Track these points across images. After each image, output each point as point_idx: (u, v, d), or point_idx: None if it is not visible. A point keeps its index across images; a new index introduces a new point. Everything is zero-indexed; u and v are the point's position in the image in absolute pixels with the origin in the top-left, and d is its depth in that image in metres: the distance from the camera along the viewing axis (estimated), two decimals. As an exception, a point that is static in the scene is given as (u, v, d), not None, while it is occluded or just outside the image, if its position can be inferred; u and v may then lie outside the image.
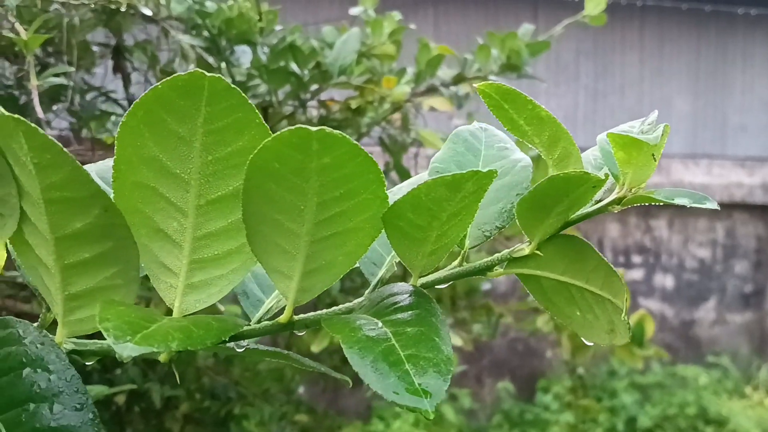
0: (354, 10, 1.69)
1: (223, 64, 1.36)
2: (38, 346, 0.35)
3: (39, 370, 0.34)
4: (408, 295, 0.34)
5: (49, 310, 0.37)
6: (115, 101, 1.49)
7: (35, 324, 0.36)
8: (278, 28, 1.49)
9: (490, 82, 0.32)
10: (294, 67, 1.43)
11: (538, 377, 3.88)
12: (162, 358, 0.35)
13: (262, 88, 1.42)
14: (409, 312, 0.32)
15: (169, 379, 1.69)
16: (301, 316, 0.36)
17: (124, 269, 0.34)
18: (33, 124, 0.29)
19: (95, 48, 1.46)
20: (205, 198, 0.34)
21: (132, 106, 0.31)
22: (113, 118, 1.48)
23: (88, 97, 1.46)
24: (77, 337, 0.37)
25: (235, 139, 0.33)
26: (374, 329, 0.31)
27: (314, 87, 1.50)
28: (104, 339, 0.39)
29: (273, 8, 1.48)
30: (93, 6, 1.23)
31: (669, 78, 4.91)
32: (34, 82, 1.10)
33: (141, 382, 1.54)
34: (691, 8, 4.83)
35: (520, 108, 0.32)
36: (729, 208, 4.35)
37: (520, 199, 0.32)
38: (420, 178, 0.41)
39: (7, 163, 0.32)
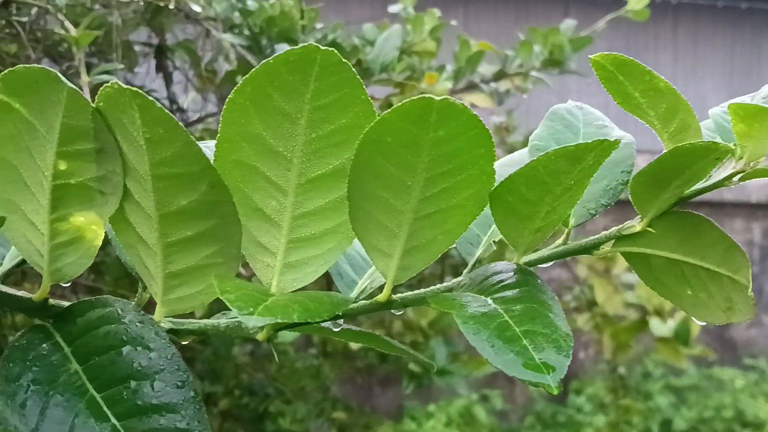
0: (393, 8, 1.70)
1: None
2: (137, 324, 0.35)
3: (139, 348, 0.34)
4: (512, 273, 0.33)
5: (145, 289, 0.37)
6: (157, 100, 1.51)
7: (132, 303, 0.37)
8: (319, 26, 1.50)
9: (604, 53, 0.31)
10: (336, 64, 1.43)
11: (571, 379, 3.84)
12: (260, 336, 0.35)
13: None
14: (517, 289, 0.32)
15: (207, 375, 1.70)
16: (400, 294, 0.35)
17: (226, 247, 0.34)
18: (149, 97, 0.29)
19: (137, 47, 1.48)
20: (305, 177, 0.34)
21: (241, 82, 0.31)
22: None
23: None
24: (173, 317, 0.37)
25: (339, 116, 0.32)
26: (484, 306, 0.31)
27: (355, 84, 1.50)
28: (199, 319, 0.39)
29: (314, 6, 1.48)
30: (141, 2, 1.25)
31: (703, 77, 4.83)
32: (84, 79, 1.11)
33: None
34: (727, 5, 4.75)
35: (636, 79, 0.31)
36: (766, 208, 4.27)
37: (637, 172, 0.32)
38: (511, 158, 0.41)
39: (114, 140, 0.32)
